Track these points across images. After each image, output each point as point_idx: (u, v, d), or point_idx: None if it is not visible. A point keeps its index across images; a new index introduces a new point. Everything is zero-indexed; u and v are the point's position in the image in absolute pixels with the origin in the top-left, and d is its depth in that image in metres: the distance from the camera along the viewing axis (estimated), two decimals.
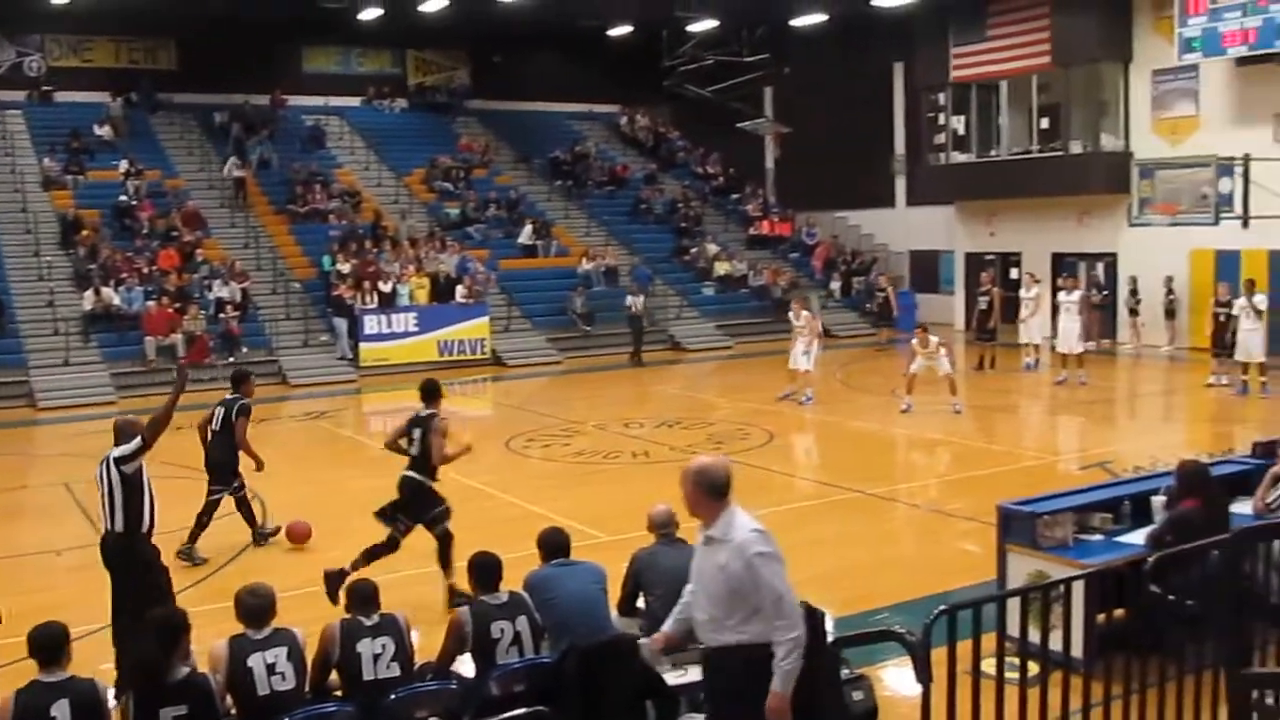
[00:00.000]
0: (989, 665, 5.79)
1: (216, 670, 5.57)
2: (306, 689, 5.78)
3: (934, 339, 17.97)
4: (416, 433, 9.76)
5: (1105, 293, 25.87)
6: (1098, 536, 8.09)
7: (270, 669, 5.62)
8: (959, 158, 28.93)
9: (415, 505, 9.64)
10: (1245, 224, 22.58)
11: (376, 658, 5.91)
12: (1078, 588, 6.28)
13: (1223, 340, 19.82)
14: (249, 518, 11.50)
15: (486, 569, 6.40)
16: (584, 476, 14.55)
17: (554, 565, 6.59)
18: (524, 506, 12.49)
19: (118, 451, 7.70)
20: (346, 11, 29.97)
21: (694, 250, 31.44)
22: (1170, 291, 24.48)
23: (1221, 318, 19.84)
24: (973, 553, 9.96)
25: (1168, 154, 24.60)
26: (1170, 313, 24.55)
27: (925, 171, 30.12)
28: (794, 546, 10.92)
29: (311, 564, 9.83)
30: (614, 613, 6.82)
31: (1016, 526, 7.90)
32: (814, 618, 5.79)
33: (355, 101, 35.03)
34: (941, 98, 29.17)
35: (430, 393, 10.04)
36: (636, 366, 25.00)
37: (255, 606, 5.82)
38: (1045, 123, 27.24)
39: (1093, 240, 26.84)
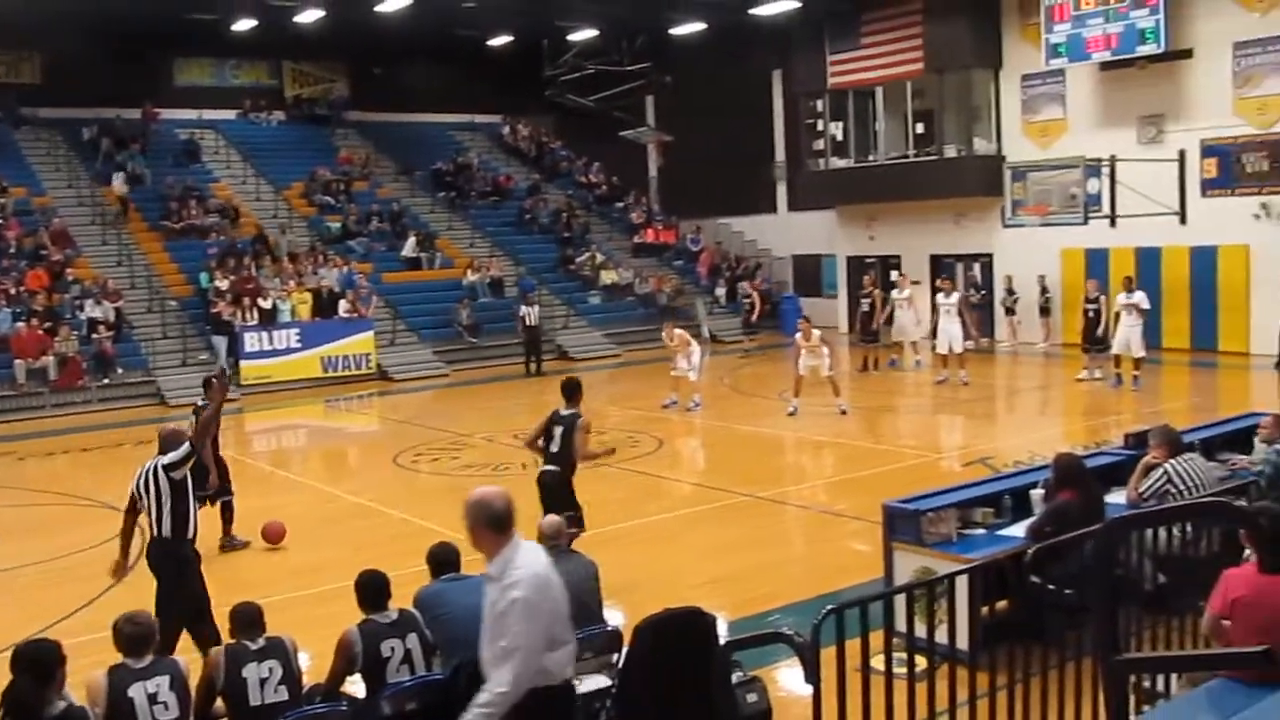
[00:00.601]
0: (878, 662, 5.86)
1: (95, 703, 5.38)
2: (191, 718, 5.63)
3: (816, 332, 18.34)
4: (558, 431, 9.94)
5: (983, 292, 26.54)
6: (980, 531, 8.28)
7: (152, 699, 5.44)
8: (838, 163, 29.43)
9: (553, 502, 9.65)
10: (1113, 223, 23.36)
11: (263, 682, 5.78)
12: (961, 582, 6.40)
13: (1093, 336, 20.45)
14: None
15: (373, 588, 6.30)
16: (474, 489, 14.39)
17: (444, 580, 6.51)
18: (414, 522, 12.32)
19: (166, 459, 7.78)
20: (219, 23, 29.36)
21: (579, 259, 31.45)
22: (1044, 290, 25.23)
23: (1090, 314, 20.47)
24: (861, 551, 10.11)
25: (1038, 156, 25.32)
26: (1045, 310, 25.30)
27: (805, 177, 30.58)
28: (686, 552, 11.08)
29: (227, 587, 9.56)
30: None
31: (901, 524, 8.05)
32: (705, 622, 5.83)
33: (231, 114, 34.28)
34: (819, 104, 29.68)
35: (572, 391, 10.20)
36: (536, 377, 24.92)
37: (134, 635, 5.64)
38: (920, 128, 27.86)
39: (969, 241, 27.51)
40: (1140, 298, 19.17)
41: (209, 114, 33.57)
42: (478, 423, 19.26)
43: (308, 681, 6.19)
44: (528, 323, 25.69)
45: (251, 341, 24.25)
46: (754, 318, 28.06)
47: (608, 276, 30.90)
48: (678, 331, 20.11)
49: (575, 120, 35.83)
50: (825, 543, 11.33)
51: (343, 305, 25.63)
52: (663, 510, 12.78)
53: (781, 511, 12.67)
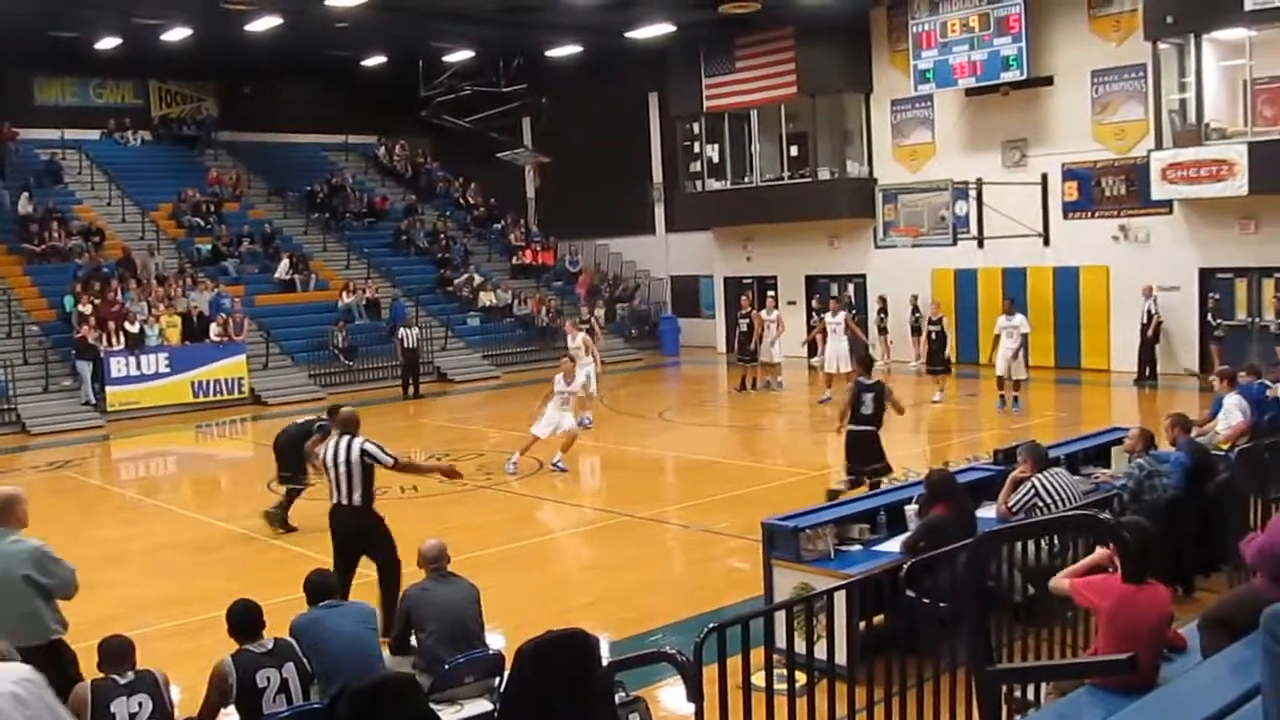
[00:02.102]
0: (759, 678, 5.93)
1: (79, 715, 5.29)
2: None
3: (581, 334, 19.36)
4: (868, 397, 12.52)
5: (856, 312, 27.03)
6: (857, 547, 8.42)
7: (133, 718, 5.47)
8: (714, 185, 29.76)
9: (863, 455, 12.38)
10: (980, 244, 24.10)
11: (133, 717, 5.58)
12: (840, 597, 6.51)
13: (940, 358, 20.82)
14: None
15: (246, 617, 6.13)
16: None
17: (322, 608, 6.40)
18: (289, 549, 12.08)
19: (370, 446, 8.90)
20: (82, 41, 28.51)
21: (457, 281, 31.24)
22: (915, 309, 25.79)
23: (934, 335, 20.79)
24: (742, 569, 10.20)
25: (908, 179, 25.92)
26: (916, 330, 25.81)
27: (683, 198, 30.86)
28: (569, 573, 11.05)
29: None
30: (386, 653, 6.69)
31: (780, 541, 8.14)
32: (587, 643, 5.82)
33: (95, 134, 33.29)
34: (696, 127, 29.99)
35: (868, 364, 13.68)
36: (413, 399, 24.61)
37: (117, 648, 5.77)
38: (795, 150, 28.33)
39: (843, 262, 28.04)
40: (1020, 321, 19.43)
41: (71, 134, 32.53)
42: None
43: (180, 715, 6.01)
44: (405, 345, 25.41)
45: (118, 366, 23.52)
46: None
47: (486, 298, 30.74)
48: (582, 336, 19.83)
49: (452, 141, 35.63)
50: (706, 561, 11.40)
51: (214, 329, 25.03)
52: (543, 532, 12.74)
53: (662, 531, 12.71)
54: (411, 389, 25.05)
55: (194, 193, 31.36)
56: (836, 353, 21.08)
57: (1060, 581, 5.67)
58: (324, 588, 6.52)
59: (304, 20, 25.98)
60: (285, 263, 29.17)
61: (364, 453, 8.86)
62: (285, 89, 34.35)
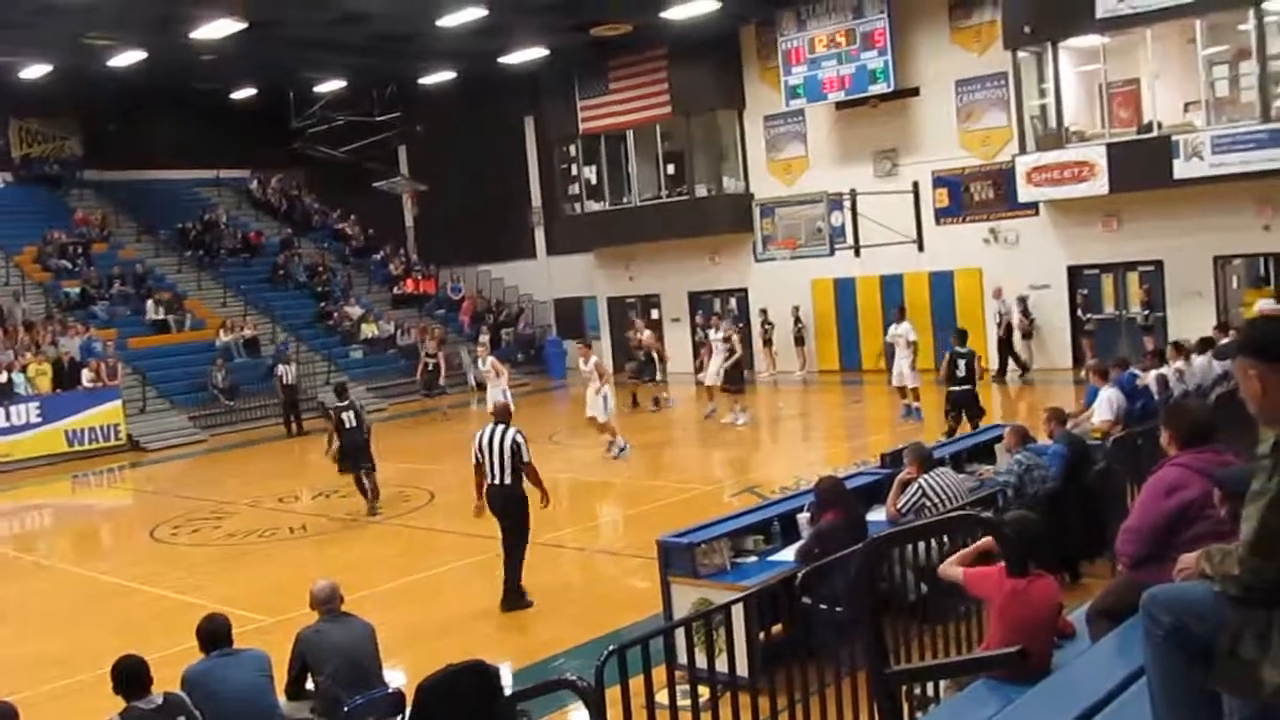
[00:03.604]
0: (663, 696, 5.92)
1: None
2: None
3: (594, 357, 18.85)
4: (961, 361, 15.67)
5: (740, 325, 27.31)
6: (753, 558, 8.48)
7: None
8: (594, 206, 29.84)
9: (970, 406, 15.70)
10: (857, 253, 24.54)
11: None
12: (737, 610, 6.53)
13: (737, 376, 20.91)
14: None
15: (132, 673, 5.88)
16: (240, 558, 13.85)
17: (214, 657, 6.24)
18: (176, 598, 11.72)
19: (520, 438, 10.38)
20: None
21: (337, 313, 30.81)
22: (797, 320, 26.20)
23: (726, 353, 20.92)
24: (640, 588, 10.19)
25: (783, 193, 26.33)
26: (799, 340, 26.26)
27: (562, 221, 30.87)
28: (465, 604, 10.93)
29: None
30: (281, 698, 6.52)
31: (676, 558, 8.15)
32: (488, 675, 5.76)
33: None
34: (572, 149, 30.06)
35: (962, 336, 16.66)
36: (298, 436, 24.12)
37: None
38: (672, 169, 28.59)
39: (725, 278, 28.33)
40: (906, 329, 19.44)
41: None
42: (240, 489, 18.53)
43: None
44: (285, 381, 24.90)
45: None
46: (440, 380, 26.09)
47: (368, 329, 30.36)
48: (594, 358, 19.80)
49: (326, 172, 35.20)
50: (605, 583, 11.37)
51: (86, 374, 24.25)
52: (439, 564, 12.58)
53: (559, 555, 12.63)
54: (294, 426, 24.57)
55: (60, 234, 30.44)
56: (714, 367, 21.05)
57: (951, 569, 5.77)
58: (217, 635, 6.35)
59: (169, 54, 25.41)
60: (151, 303, 28.41)
61: (514, 443, 10.32)
62: (153, 124, 33.45)
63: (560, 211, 30.83)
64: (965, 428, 15.37)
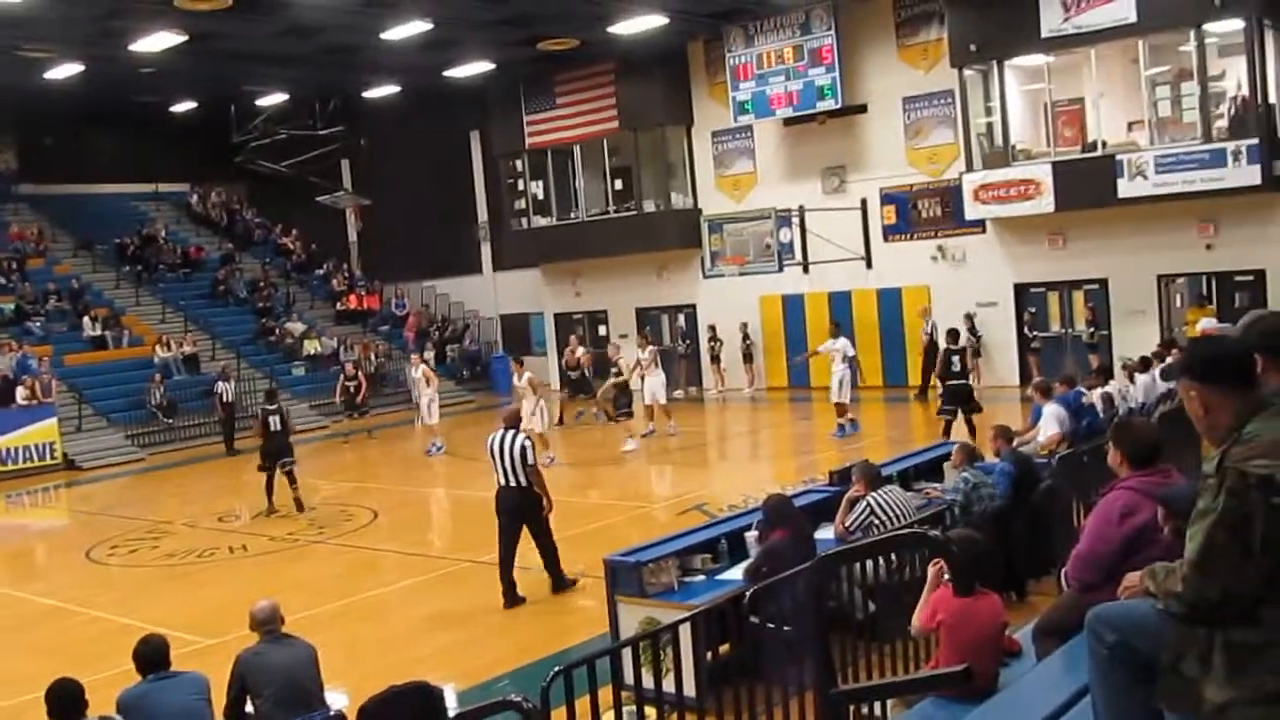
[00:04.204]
0: (610, 718, 5.84)
1: None
2: None
3: (527, 373, 18.86)
4: (956, 358, 16.50)
5: (688, 341, 27.33)
6: (700, 577, 8.41)
7: None
8: (540, 222, 29.73)
9: (967, 399, 16.63)
10: (805, 269, 24.62)
11: None
12: (685, 630, 6.46)
13: (621, 402, 20.57)
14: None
15: (66, 697, 5.73)
16: (178, 579, 13.58)
17: (151, 680, 6.11)
18: (112, 620, 11.45)
19: (528, 443, 10.91)
20: None
21: (279, 330, 30.43)
22: (746, 337, 26.20)
23: (614, 373, 20.65)
24: (587, 608, 10.10)
25: (732, 209, 26.39)
26: (748, 356, 26.26)
27: (509, 237, 30.71)
28: (408, 624, 10.77)
29: None
30: None
31: (623, 577, 8.07)
32: (432, 697, 5.64)
33: None
34: (519, 164, 29.94)
35: (955, 335, 17.54)
36: (237, 455, 23.71)
37: None
38: (619, 184, 28.55)
39: (672, 294, 28.31)
40: (844, 344, 19.40)
41: None
42: (178, 508, 18.20)
43: None
44: (224, 400, 24.50)
45: None
46: (360, 399, 24.97)
47: (310, 346, 30.02)
48: (424, 366, 19.68)
49: (268, 187, 34.81)
50: (551, 602, 11.23)
51: (20, 392, 23.75)
52: (381, 584, 12.40)
53: None
54: (234, 444, 24.13)
55: None
56: (652, 386, 20.86)
57: (916, 624, 5.74)
58: (154, 658, 6.23)
59: (107, 66, 25.04)
60: (88, 319, 27.92)
61: (522, 447, 10.84)
62: (90, 138, 32.95)
63: (507, 227, 30.67)
64: (962, 428, 16.11)
